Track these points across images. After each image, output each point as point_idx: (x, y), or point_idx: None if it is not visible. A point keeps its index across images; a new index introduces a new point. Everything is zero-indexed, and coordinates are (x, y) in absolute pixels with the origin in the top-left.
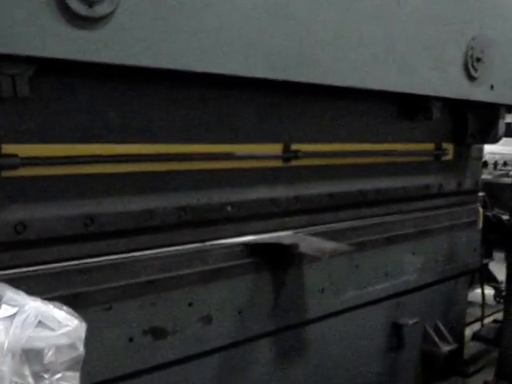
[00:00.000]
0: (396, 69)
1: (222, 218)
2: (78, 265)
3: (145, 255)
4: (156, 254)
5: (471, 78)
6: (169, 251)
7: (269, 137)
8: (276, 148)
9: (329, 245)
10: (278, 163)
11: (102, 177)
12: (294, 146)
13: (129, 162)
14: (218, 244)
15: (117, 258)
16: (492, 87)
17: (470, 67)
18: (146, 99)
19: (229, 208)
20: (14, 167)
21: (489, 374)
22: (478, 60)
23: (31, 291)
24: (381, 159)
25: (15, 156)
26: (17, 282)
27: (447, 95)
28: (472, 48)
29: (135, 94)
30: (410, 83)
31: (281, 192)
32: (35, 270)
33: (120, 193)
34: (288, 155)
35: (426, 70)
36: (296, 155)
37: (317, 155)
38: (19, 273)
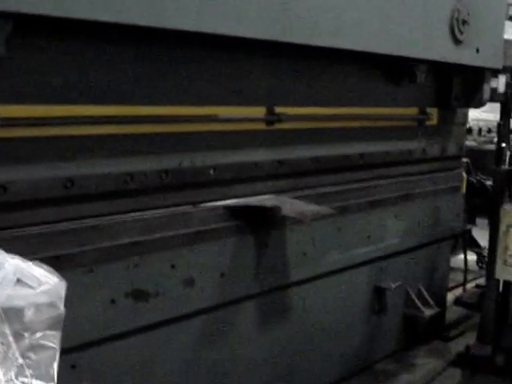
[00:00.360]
0: (381, 31)
1: (205, 182)
2: (59, 226)
3: (127, 217)
4: (139, 216)
5: (457, 41)
6: (152, 213)
7: (252, 99)
8: (260, 111)
9: (311, 207)
10: (262, 126)
11: (81, 139)
12: (277, 109)
13: (109, 124)
14: (201, 207)
15: (99, 220)
16: (478, 50)
17: (456, 30)
18: (128, 60)
19: (212, 171)
20: None
21: (470, 339)
22: (464, 22)
23: (12, 253)
24: (365, 123)
25: None
26: None
27: (432, 58)
28: (458, 10)
29: (116, 54)
30: (395, 45)
31: (264, 155)
32: (16, 232)
33: (100, 155)
34: (271, 118)
35: (410, 33)
36: (279, 118)
37: (300, 119)
38: None
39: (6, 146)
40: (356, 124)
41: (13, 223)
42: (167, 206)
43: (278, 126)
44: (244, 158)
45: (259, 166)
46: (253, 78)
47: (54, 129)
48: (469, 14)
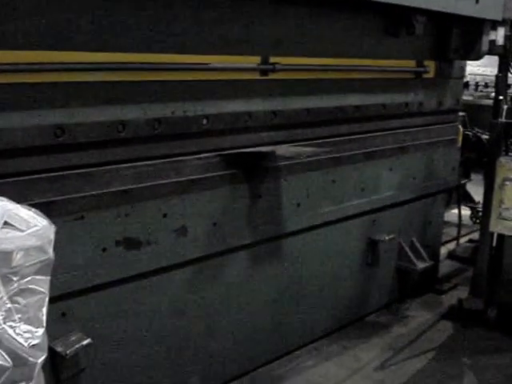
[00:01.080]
0: None
1: (198, 132)
2: (49, 174)
3: (119, 165)
4: (130, 164)
5: None
6: (143, 162)
7: (247, 48)
8: (254, 60)
9: (307, 148)
10: (256, 76)
11: (72, 86)
12: (272, 59)
13: (100, 71)
14: (194, 155)
15: (90, 168)
16: (477, 1)
17: None
18: (121, 7)
19: (204, 121)
20: None
21: (463, 292)
22: None
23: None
24: (361, 75)
25: None
26: None
27: (431, 8)
28: None
29: (109, 0)
30: None
31: (258, 106)
32: (5, 178)
33: (91, 103)
34: (266, 67)
35: None
36: (274, 68)
37: (296, 69)
38: None
39: None
40: (352, 75)
41: (2, 171)
42: (159, 157)
43: (272, 75)
44: (238, 108)
45: (253, 117)
46: (248, 26)
47: (42, 75)
48: None
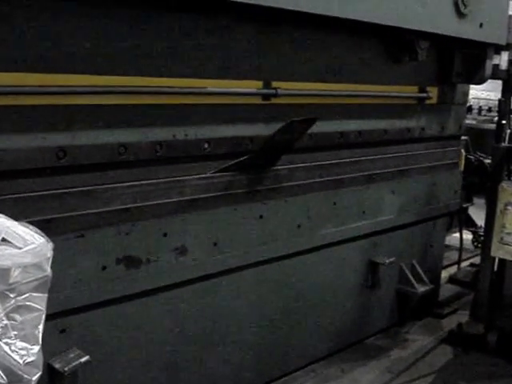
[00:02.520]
0: (383, 2)
1: (199, 155)
2: (50, 191)
3: (120, 183)
4: (132, 182)
5: (460, 15)
6: (145, 180)
7: (250, 73)
8: (256, 85)
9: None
10: (258, 100)
11: (75, 108)
12: (274, 84)
13: (103, 95)
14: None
15: (91, 186)
16: (481, 25)
17: (460, 3)
18: (122, 31)
19: (206, 145)
20: None
21: (463, 316)
22: None
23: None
24: (363, 100)
25: None
26: None
27: (435, 31)
28: None
29: (110, 24)
30: (397, 17)
31: (260, 130)
32: (6, 195)
33: (94, 126)
34: (268, 92)
35: (413, 5)
36: (276, 93)
37: (298, 94)
38: None
39: None
40: (354, 101)
41: (2, 193)
42: (160, 179)
43: (274, 100)
44: (239, 133)
45: (255, 141)
46: (251, 51)
47: (47, 98)
48: None
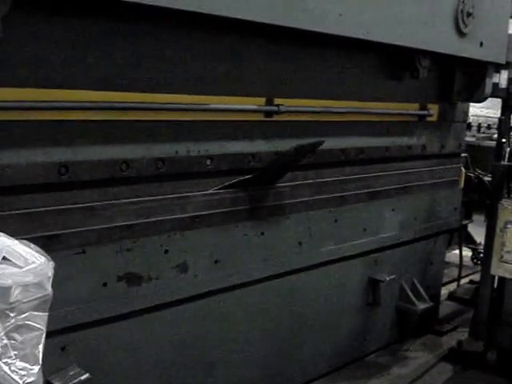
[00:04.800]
0: (384, 20)
1: (201, 172)
2: (51, 207)
3: (122, 199)
4: (133, 199)
5: (461, 34)
6: (146, 196)
7: (252, 90)
8: (259, 101)
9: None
10: (260, 117)
11: (77, 124)
12: (277, 101)
13: (105, 110)
14: (197, 192)
15: (92, 202)
16: (481, 44)
17: (460, 22)
18: (125, 46)
19: (208, 161)
20: None
21: (463, 334)
22: (469, 15)
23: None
24: (365, 117)
25: None
26: None
27: (436, 50)
28: (463, 2)
29: (114, 39)
30: (398, 35)
31: (262, 147)
32: (7, 211)
33: (96, 142)
34: (271, 109)
35: (415, 23)
36: (279, 110)
37: (300, 111)
38: None
39: (0, 130)
40: (356, 118)
41: (4, 208)
42: (162, 196)
43: (276, 117)
44: (241, 149)
45: (257, 158)
46: (253, 67)
47: (48, 113)
48: (474, 7)
